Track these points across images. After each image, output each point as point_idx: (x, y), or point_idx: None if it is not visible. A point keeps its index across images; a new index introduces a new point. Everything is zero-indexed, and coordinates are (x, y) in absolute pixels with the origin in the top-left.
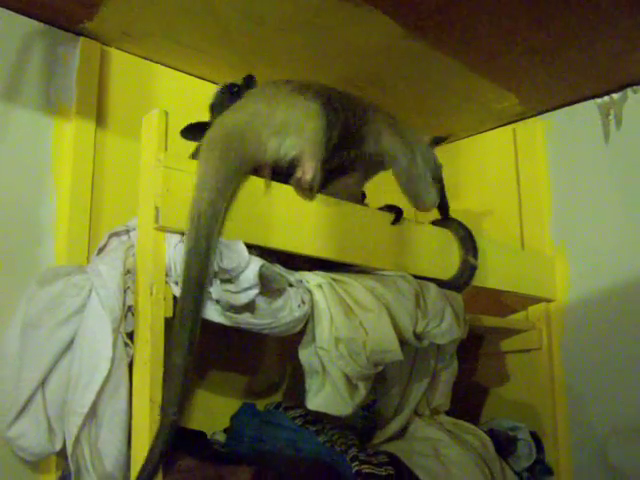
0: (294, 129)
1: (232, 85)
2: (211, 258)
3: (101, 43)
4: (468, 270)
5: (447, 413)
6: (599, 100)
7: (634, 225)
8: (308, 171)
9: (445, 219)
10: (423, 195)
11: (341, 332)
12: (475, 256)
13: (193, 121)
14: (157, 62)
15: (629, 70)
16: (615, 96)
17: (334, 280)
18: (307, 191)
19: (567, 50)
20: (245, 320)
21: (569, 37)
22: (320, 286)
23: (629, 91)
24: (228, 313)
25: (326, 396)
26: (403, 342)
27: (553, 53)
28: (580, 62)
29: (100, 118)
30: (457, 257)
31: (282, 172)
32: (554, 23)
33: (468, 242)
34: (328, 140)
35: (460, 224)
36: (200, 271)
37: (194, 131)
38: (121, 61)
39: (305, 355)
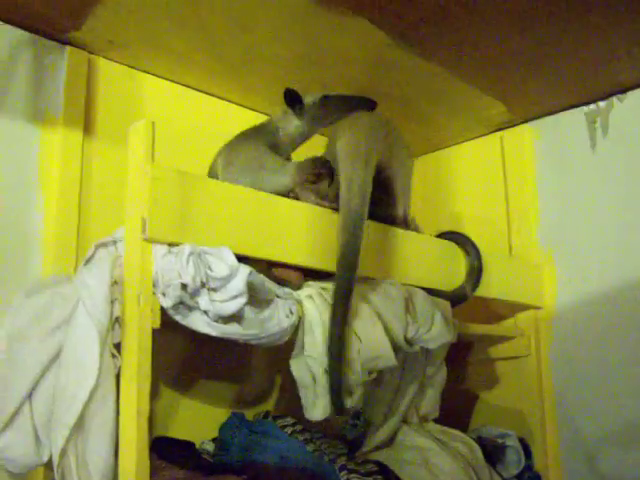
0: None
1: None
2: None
3: (88, 52)
4: (475, 275)
5: (436, 420)
6: (586, 108)
7: (621, 232)
8: (400, 207)
9: (450, 232)
10: None
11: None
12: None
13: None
14: (144, 70)
15: (615, 78)
16: (601, 104)
17: (324, 289)
18: (402, 225)
19: (554, 59)
20: (232, 330)
21: (556, 46)
22: (310, 296)
23: (615, 99)
24: (215, 323)
25: (324, 406)
26: (395, 348)
27: (540, 62)
28: (567, 70)
29: (87, 127)
30: (448, 268)
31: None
32: (541, 32)
33: (470, 248)
34: None
35: (460, 234)
36: (355, 252)
37: (291, 97)
38: (108, 70)
39: (296, 367)
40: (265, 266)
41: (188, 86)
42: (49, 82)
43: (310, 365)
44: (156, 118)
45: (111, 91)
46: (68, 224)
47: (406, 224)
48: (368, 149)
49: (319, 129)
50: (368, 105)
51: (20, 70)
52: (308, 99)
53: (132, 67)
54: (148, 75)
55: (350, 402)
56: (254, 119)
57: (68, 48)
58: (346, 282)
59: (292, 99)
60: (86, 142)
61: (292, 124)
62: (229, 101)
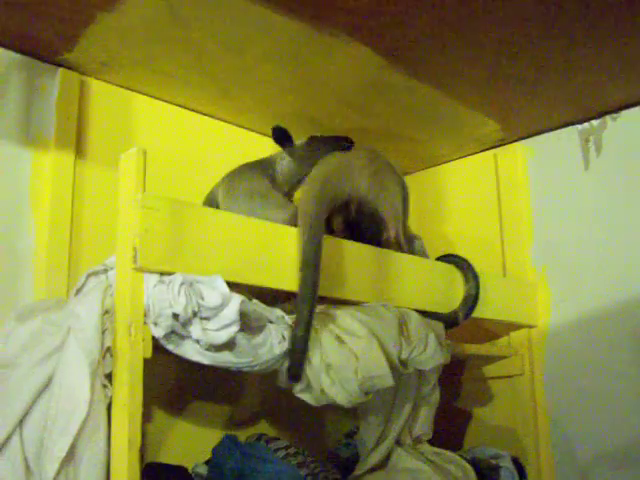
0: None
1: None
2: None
3: (80, 74)
4: (470, 303)
5: (430, 440)
6: (579, 127)
7: (614, 251)
8: (391, 230)
9: (453, 255)
10: None
11: (331, 359)
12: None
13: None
14: (137, 91)
15: (608, 98)
16: (595, 123)
17: (319, 314)
18: (395, 247)
19: (547, 79)
20: (224, 359)
21: (549, 67)
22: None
23: (608, 118)
24: (207, 352)
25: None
26: (390, 369)
27: (534, 81)
28: (560, 90)
29: (79, 149)
30: (443, 291)
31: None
32: (534, 53)
33: (470, 275)
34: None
35: (462, 258)
36: (315, 262)
37: (280, 134)
38: (101, 91)
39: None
40: None
41: (181, 106)
42: (41, 104)
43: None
44: (149, 139)
45: (103, 112)
46: (60, 247)
47: (399, 246)
48: (323, 188)
49: (310, 169)
50: (344, 145)
51: (11, 92)
52: (298, 141)
53: (125, 88)
54: (141, 96)
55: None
56: (248, 139)
57: (60, 70)
58: (307, 304)
59: (281, 137)
60: (78, 164)
61: (285, 162)
62: (222, 120)
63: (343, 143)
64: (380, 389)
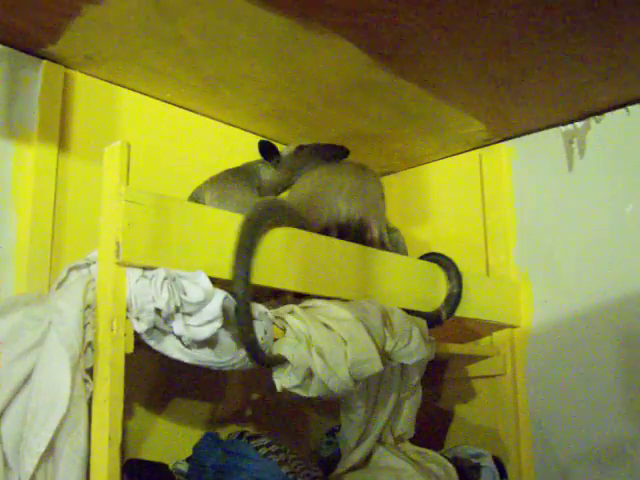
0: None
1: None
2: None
3: (64, 66)
4: (452, 302)
5: (411, 439)
6: (563, 128)
7: (596, 251)
8: (374, 231)
9: (436, 253)
10: None
11: (322, 344)
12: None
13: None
14: (121, 85)
15: (592, 100)
16: (579, 124)
17: (305, 307)
18: (379, 247)
19: (532, 80)
20: (205, 357)
21: (534, 69)
22: (292, 312)
23: (592, 120)
24: (188, 350)
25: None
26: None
27: (518, 82)
28: (545, 91)
29: (63, 143)
30: (426, 289)
31: (349, 231)
32: (519, 54)
33: (453, 274)
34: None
35: (446, 257)
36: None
37: (266, 149)
38: (85, 84)
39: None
40: None
41: (166, 101)
42: (24, 97)
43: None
44: (133, 134)
45: (88, 106)
46: (42, 241)
47: (382, 245)
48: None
49: (298, 177)
50: (339, 154)
51: None
52: (285, 151)
53: (109, 82)
54: (126, 90)
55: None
56: (232, 135)
57: (44, 62)
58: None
59: (268, 151)
60: (61, 158)
61: (270, 172)
62: (207, 116)
63: (337, 153)
64: (369, 376)
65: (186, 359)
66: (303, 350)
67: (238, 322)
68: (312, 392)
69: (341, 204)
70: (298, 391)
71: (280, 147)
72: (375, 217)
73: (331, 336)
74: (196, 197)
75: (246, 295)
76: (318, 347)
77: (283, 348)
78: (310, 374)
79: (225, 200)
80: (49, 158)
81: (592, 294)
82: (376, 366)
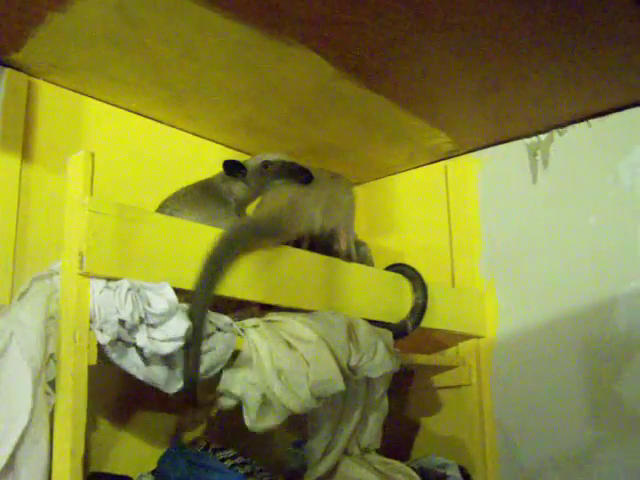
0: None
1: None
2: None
3: (28, 75)
4: (418, 313)
5: (378, 450)
6: (527, 140)
7: (561, 262)
8: (342, 242)
9: (402, 264)
10: None
11: (283, 364)
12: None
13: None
14: (86, 95)
15: (555, 113)
16: (542, 137)
17: (270, 322)
18: (345, 259)
19: (497, 93)
20: (155, 379)
21: (499, 82)
22: (256, 326)
23: (555, 132)
24: (144, 366)
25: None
26: (340, 373)
27: (484, 94)
28: (509, 103)
29: (26, 152)
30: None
31: (319, 242)
32: (485, 69)
33: (419, 285)
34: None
35: (411, 268)
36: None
37: (232, 167)
38: (49, 93)
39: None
40: None
41: (132, 111)
42: None
43: (246, 389)
44: (98, 144)
45: (52, 115)
46: (4, 251)
47: (349, 257)
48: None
49: (265, 191)
50: (303, 178)
51: None
52: (250, 163)
53: (74, 91)
54: (91, 99)
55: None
56: (199, 145)
57: (7, 70)
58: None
59: (233, 169)
60: (24, 168)
61: (237, 186)
62: (174, 127)
63: (301, 177)
64: (331, 394)
65: (139, 376)
66: (256, 378)
67: (187, 348)
68: (274, 420)
69: (317, 215)
70: (260, 425)
71: (244, 156)
72: (345, 228)
73: (293, 356)
74: (162, 211)
75: (202, 324)
76: (278, 368)
77: (234, 386)
78: (268, 401)
79: (192, 215)
80: (12, 167)
81: (556, 304)
82: (338, 386)
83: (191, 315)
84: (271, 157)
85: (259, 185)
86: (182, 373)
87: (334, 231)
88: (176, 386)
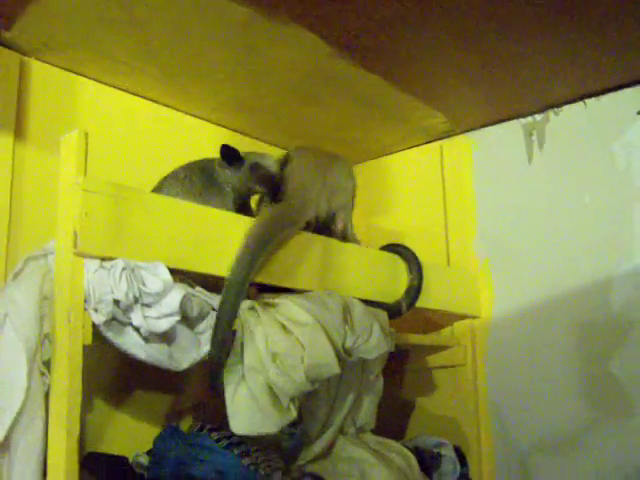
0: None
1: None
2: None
3: (20, 53)
4: (413, 294)
5: (373, 430)
6: (523, 120)
7: (556, 242)
8: (339, 222)
9: (397, 244)
10: None
11: (278, 347)
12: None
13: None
14: (79, 74)
15: (551, 93)
16: (538, 117)
17: (266, 304)
18: (341, 239)
19: (493, 71)
20: (159, 355)
21: (495, 60)
22: (252, 308)
23: (551, 112)
24: (145, 345)
25: (252, 417)
26: (336, 357)
27: (480, 74)
28: (505, 83)
29: (19, 131)
30: (387, 280)
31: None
32: (481, 46)
33: (414, 265)
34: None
35: (407, 248)
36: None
37: (228, 154)
38: (42, 73)
39: (229, 379)
40: None
41: (126, 91)
42: None
43: (248, 378)
44: (92, 123)
45: (45, 94)
46: None
47: (344, 237)
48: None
49: (254, 188)
50: (276, 199)
51: None
52: (249, 158)
53: (67, 70)
54: (84, 79)
55: (285, 415)
56: (193, 125)
57: None
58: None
59: (230, 156)
60: (17, 148)
61: (234, 178)
62: (167, 106)
63: (279, 197)
64: (327, 377)
65: (142, 355)
66: (256, 363)
67: (216, 333)
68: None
69: (323, 201)
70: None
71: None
72: (344, 210)
73: (288, 339)
74: (158, 192)
75: (233, 317)
76: (274, 352)
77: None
78: (267, 388)
79: (186, 198)
80: (5, 147)
81: (551, 284)
82: (334, 370)
83: (223, 306)
84: (262, 161)
85: (248, 182)
86: (208, 361)
87: (335, 214)
88: (182, 364)
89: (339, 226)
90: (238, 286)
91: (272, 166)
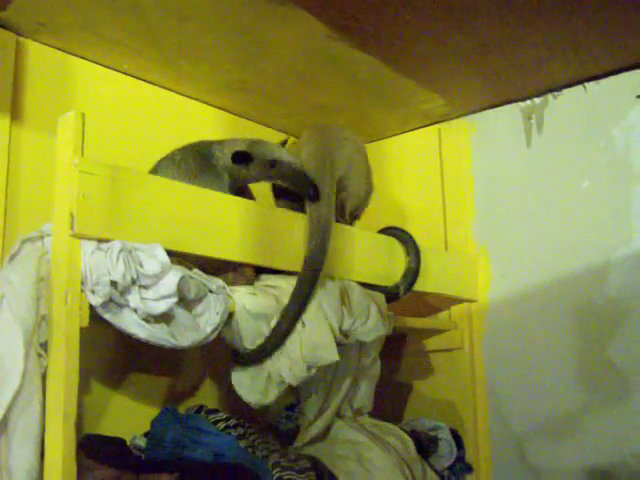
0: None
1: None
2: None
3: (16, 34)
4: (410, 277)
5: (370, 413)
6: (522, 104)
7: (554, 226)
8: (347, 207)
9: (395, 227)
10: None
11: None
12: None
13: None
14: (76, 55)
15: (550, 76)
16: (537, 100)
17: (266, 286)
18: (345, 221)
19: (492, 54)
20: (160, 334)
21: (494, 43)
22: (253, 294)
23: (550, 96)
24: (145, 324)
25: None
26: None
27: (478, 57)
28: (504, 66)
29: (15, 113)
30: (385, 264)
31: None
32: (480, 29)
33: (412, 249)
34: None
35: (404, 232)
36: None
37: (241, 158)
38: (38, 53)
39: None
40: None
41: (123, 72)
42: None
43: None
44: (89, 104)
45: (41, 75)
46: None
47: (346, 219)
48: (331, 161)
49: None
50: (311, 194)
51: None
52: (258, 154)
53: (64, 51)
54: (81, 60)
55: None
56: (190, 107)
57: None
58: (309, 284)
59: (242, 160)
60: (14, 129)
61: (234, 168)
62: (165, 88)
63: (313, 192)
64: (324, 364)
65: (142, 334)
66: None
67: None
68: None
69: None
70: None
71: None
72: (352, 195)
73: None
74: (155, 174)
75: (304, 308)
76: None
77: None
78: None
79: (182, 181)
80: (1, 128)
81: (548, 268)
82: (332, 356)
83: (296, 297)
84: (280, 155)
85: (260, 175)
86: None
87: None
88: (182, 342)
89: (347, 210)
90: (310, 279)
91: (294, 162)
